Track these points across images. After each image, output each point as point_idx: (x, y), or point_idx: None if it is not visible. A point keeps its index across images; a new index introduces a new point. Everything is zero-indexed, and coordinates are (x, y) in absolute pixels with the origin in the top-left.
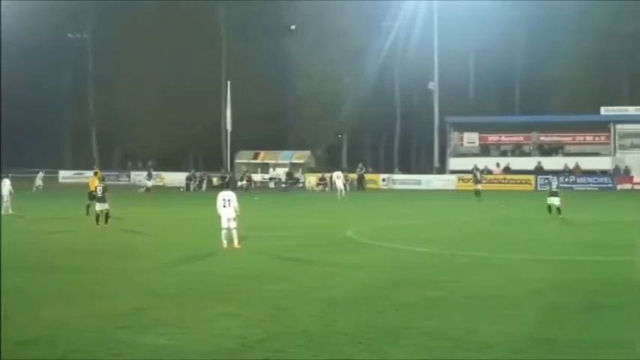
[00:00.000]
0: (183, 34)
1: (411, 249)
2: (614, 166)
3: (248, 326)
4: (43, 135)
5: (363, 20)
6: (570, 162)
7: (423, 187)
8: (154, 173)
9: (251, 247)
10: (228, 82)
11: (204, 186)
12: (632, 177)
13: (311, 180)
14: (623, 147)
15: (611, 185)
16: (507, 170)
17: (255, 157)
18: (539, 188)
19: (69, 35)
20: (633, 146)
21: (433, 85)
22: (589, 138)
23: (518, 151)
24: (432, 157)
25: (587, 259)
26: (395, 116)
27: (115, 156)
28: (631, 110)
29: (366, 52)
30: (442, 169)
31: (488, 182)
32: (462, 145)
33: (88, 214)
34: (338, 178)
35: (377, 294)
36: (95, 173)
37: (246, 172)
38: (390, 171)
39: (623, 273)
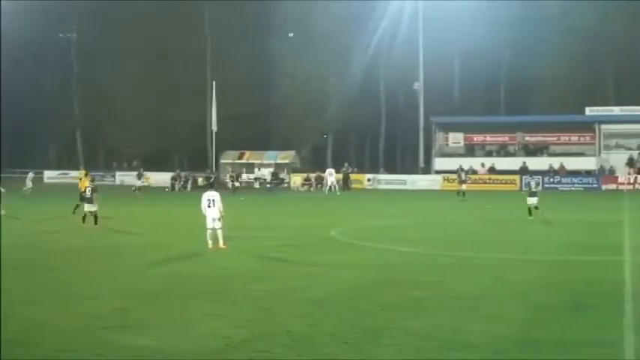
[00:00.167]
0: (168, 34)
1: (395, 249)
2: (599, 167)
3: (233, 326)
4: (28, 135)
5: (348, 20)
6: (555, 162)
7: (408, 187)
8: (144, 173)
9: (236, 247)
10: (214, 83)
11: (189, 186)
12: (617, 177)
13: (296, 180)
14: (608, 147)
15: (596, 185)
16: (492, 170)
17: (241, 157)
18: (524, 188)
19: (60, 35)
20: (618, 146)
21: (418, 86)
22: (574, 138)
23: (503, 151)
24: (417, 157)
25: (572, 259)
26: (380, 116)
27: (100, 156)
28: (616, 110)
29: (351, 52)
30: (427, 170)
31: (474, 182)
32: (447, 145)
33: (74, 213)
34: (330, 175)
35: (361, 294)
36: (86, 174)
37: (239, 172)
38: (376, 171)
39: (608, 273)
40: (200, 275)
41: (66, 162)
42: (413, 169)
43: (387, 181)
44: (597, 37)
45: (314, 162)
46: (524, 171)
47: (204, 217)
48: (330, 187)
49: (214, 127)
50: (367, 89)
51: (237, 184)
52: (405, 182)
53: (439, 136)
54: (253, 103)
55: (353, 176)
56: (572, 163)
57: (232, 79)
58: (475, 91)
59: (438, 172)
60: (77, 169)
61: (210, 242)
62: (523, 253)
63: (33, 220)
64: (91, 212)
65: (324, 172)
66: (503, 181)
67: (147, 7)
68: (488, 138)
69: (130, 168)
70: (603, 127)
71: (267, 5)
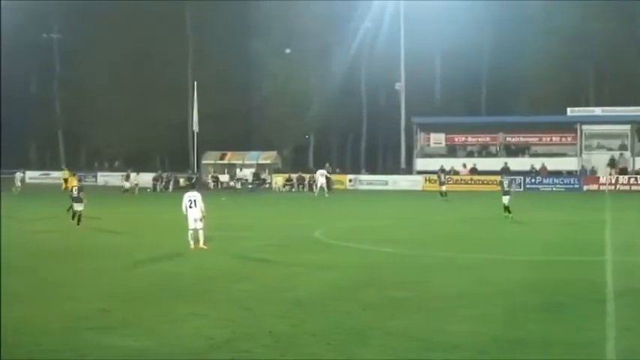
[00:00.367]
0: (150, 34)
1: (377, 249)
2: (580, 167)
3: (215, 326)
4: (7, 135)
5: (329, 20)
6: (537, 163)
7: (389, 187)
8: (132, 175)
9: (218, 247)
10: (195, 83)
11: (170, 187)
12: (599, 178)
13: (278, 181)
14: (589, 148)
15: (577, 186)
16: (474, 171)
17: (222, 157)
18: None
19: (43, 35)
20: (599, 147)
21: (400, 86)
22: (555, 139)
23: (484, 151)
24: (398, 158)
25: (553, 259)
26: (362, 117)
27: (82, 156)
28: (597, 111)
29: (332, 52)
30: (409, 170)
31: (455, 183)
32: (428, 145)
33: (68, 212)
34: (322, 175)
35: (344, 294)
36: (73, 174)
37: (234, 172)
38: (357, 172)
39: (590, 273)
40: (183, 275)
41: (47, 162)
42: (394, 170)
43: (368, 181)
44: (579, 37)
45: (296, 162)
46: (505, 171)
47: (185, 218)
48: (320, 188)
49: (196, 128)
50: (349, 89)
51: (232, 183)
52: (386, 183)
53: (421, 137)
54: (235, 104)
55: (334, 177)
56: (553, 164)
57: (213, 80)
58: (456, 91)
59: (420, 173)
60: (59, 169)
61: (191, 243)
62: (504, 253)
63: (22, 220)
64: (78, 210)
65: (305, 172)
66: (485, 182)
67: (128, 7)
68: (470, 138)
69: (112, 168)
70: (585, 127)
71: (249, 5)
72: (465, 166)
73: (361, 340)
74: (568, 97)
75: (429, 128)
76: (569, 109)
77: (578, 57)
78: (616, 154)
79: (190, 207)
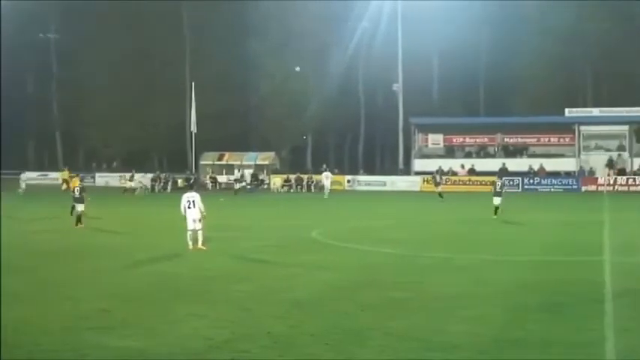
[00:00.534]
0: (148, 34)
1: (376, 250)
2: (578, 168)
3: (214, 327)
4: (5, 135)
5: (326, 20)
6: (535, 163)
7: (387, 188)
8: (136, 175)
9: (217, 248)
10: (193, 84)
11: (169, 187)
12: (597, 178)
13: (276, 181)
14: (587, 148)
15: (575, 187)
16: (472, 172)
17: (220, 158)
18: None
19: (40, 35)
20: (597, 148)
21: (397, 87)
22: (553, 139)
23: (482, 152)
24: (396, 159)
25: (551, 259)
26: (359, 117)
27: (80, 157)
28: (595, 112)
29: (330, 53)
30: (407, 171)
31: (453, 183)
32: (426, 146)
33: (72, 214)
34: (327, 178)
35: (342, 295)
36: (76, 175)
37: (242, 174)
38: (355, 172)
39: (588, 273)
40: (182, 276)
41: (45, 163)
42: (392, 171)
43: (366, 182)
44: (576, 37)
45: (294, 163)
46: (504, 172)
47: (184, 219)
48: (326, 190)
49: (194, 128)
50: (346, 90)
51: (237, 186)
52: (384, 183)
53: (418, 137)
54: (233, 104)
55: (332, 177)
56: (551, 165)
57: (211, 80)
58: (454, 91)
59: (418, 174)
60: (58, 170)
61: (190, 243)
62: (503, 253)
63: (22, 220)
64: (79, 211)
65: (303, 173)
66: (483, 183)
67: (126, 7)
68: (468, 139)
69: (110, 169)
70: (583, 128)
71: (246, 5)
72: (463, 166)
73: (360, 341)
74: (566, 98)
75: (426, 129)
76: (567, 110)
77: (576, 57)
78: (614, 154)
79: (189, 207)
